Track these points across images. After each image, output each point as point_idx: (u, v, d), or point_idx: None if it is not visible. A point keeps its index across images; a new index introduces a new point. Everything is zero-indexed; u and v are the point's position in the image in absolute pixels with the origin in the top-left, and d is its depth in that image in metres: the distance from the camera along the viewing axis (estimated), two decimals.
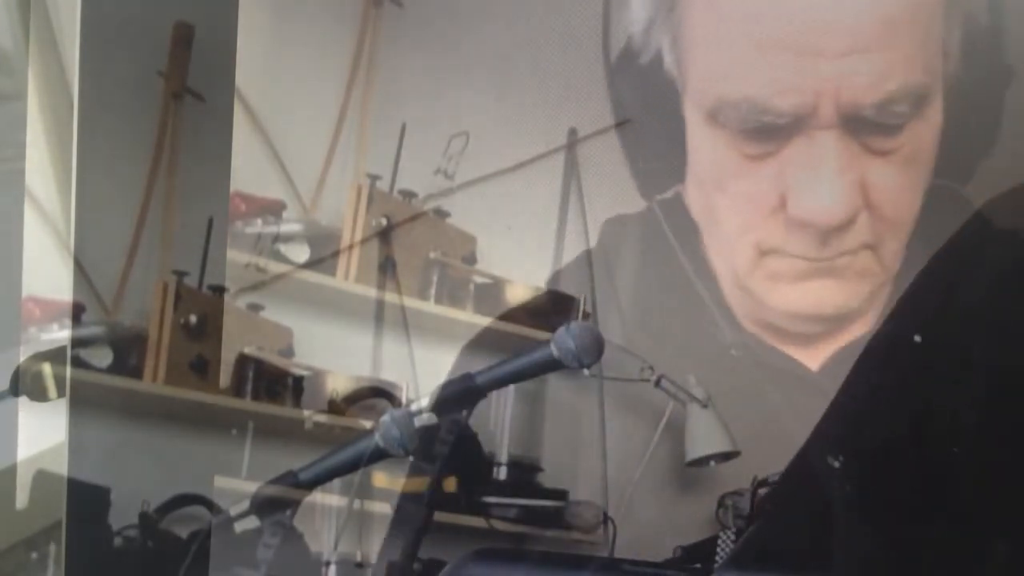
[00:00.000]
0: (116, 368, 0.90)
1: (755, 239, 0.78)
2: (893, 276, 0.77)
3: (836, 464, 0.76)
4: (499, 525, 0.89)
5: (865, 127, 0.74)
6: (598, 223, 0.87)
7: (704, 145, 0.78)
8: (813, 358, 0.81)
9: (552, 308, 0.89)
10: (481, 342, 0.89)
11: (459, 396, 0.84)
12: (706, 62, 0.76)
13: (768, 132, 0.75)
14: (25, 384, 0.93)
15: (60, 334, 0.92)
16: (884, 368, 0.76)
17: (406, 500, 0.87)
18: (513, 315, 0.89)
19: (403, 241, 0.90)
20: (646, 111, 0.79)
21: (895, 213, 0.76)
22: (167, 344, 0.89)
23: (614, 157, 0.87)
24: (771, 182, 0.76)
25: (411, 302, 0.90)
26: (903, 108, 0.74)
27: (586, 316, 0.88)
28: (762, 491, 0.85)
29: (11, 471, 0.95)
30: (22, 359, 0.94)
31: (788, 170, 0.76)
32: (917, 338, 0.73)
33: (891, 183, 0.76)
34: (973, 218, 0.72)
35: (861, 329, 0.79)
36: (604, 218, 0.83)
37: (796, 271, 0.78)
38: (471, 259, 0.91)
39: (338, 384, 0.90)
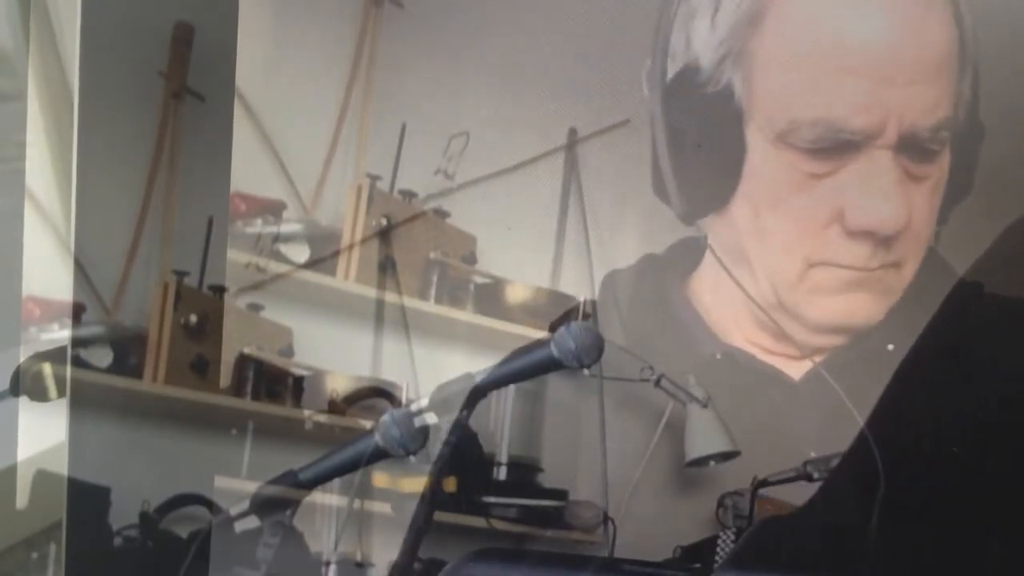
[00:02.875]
0: (116, 368, 0.90)
1: (805, 252, 0.85)
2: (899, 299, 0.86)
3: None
4: (499, 525, 0.89)
5: (913, 150, 0.83)
6: (601, 233, 0.88)
7: (766, 166, 0.84)
8: (796, 370, 0.87)
9: (552, 308, 0.89)
10: (481, 342, 0.89)
11: (459, 396, 0.84)
12: (781, 88, 0.84)
13: (834, 151, 0.83)
14: (25, 384, 0.93)
15: (60, 334, 0.92)
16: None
17: (407, 501, 0.87)
18: (513, 315, 0.89)
19: (403, 241, 0.90)
20: (705, 137, 0.85)
21: (920, 237, 0.85)
22: (167, 344, 0.89)
23: (614, 157, 0.88)
24: (829, 198, 0.84)
25: (411, 302, 0.90)
26: (945, 136, 0.84)
27: (586, 316, 0.88)
28: (762, 491, 0.86)
29: (11, 471, 0.95)
30: (22, 359, 0.94)
31: (848, 185, 0.83)
32: (890, 347, 0.84)
33: (924, 208, 0.85)
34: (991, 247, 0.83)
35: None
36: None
37: (839, 282, 0.85)
38: (471, 259, 0.91)
39: (338, 384, 0.90)
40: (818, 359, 0.86)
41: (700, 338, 0.88)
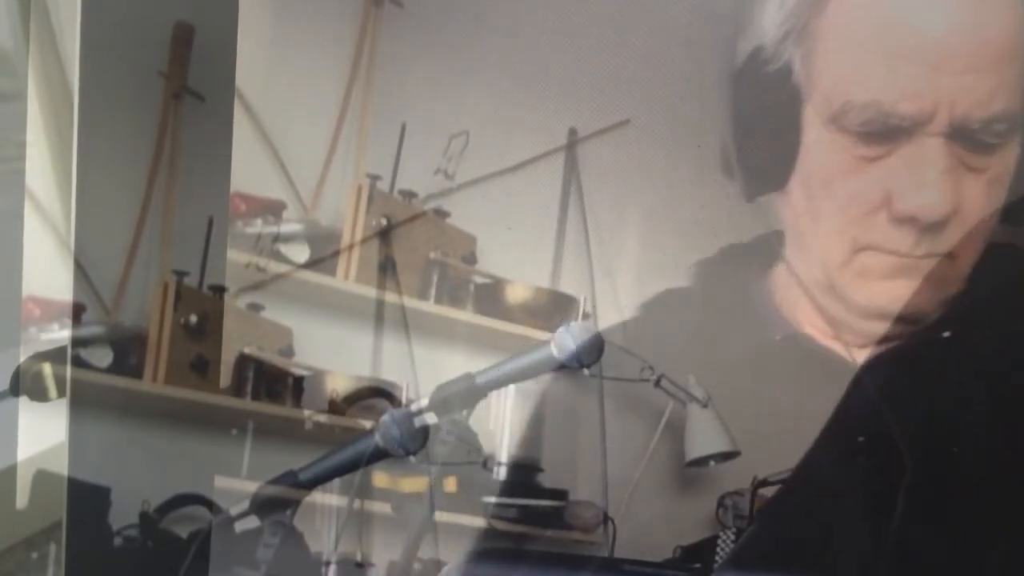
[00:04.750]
0: (116, 368, 0.90)
1: (853, 236, 0.84)
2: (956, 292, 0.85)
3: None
4: (499, 525, 0.89)
5: (967, 140, 0.82)
6: (599, 225, 0.88)
7: (820, 148, 0.84)
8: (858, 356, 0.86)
9: (552, 308, 0.89)
10: (481, 342, 0.89)
11: (459, 396, 0.84)
12: (838, 69, 0.83)
13: (885, 136, 0.82)
14: (25, 384, 0.93)
15: (60, 334, 0.92)
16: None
17: (407, 501, 0.87)
18: (513, 315, 0.89)
19: (403, 241, 0.90)
20: (767, 118, 0.85)
21: (976, 229, 0.84)
22: (167, 344, 0.89)
23: (614, 157, 0.88)
24: (878, 182, 0.83)
25: (411, 302, 0.90)
26: (1001, 128, 0.82)
27: (586, 316, 0.88)
28: (762, 491, 0.86)
29: (11, 471, 0.96)
30: (22, 359, 0.94)
31: (896, 171, 0.82)
32: (946, 334, 0.83)
33: (978, 200, 0.83)
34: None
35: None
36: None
37: (885, 268, 0.84)
38: (471, 259, 0.91)
39: (338, 384, 0.90)
40: (873, 347, 0.85)
41: (772, 324, 0.87)
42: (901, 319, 0.84)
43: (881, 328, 0.85)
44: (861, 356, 0.85)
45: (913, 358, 0.84)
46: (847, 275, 0.85)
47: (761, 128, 0.85)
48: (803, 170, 0.85)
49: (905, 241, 0.83)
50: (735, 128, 0.85)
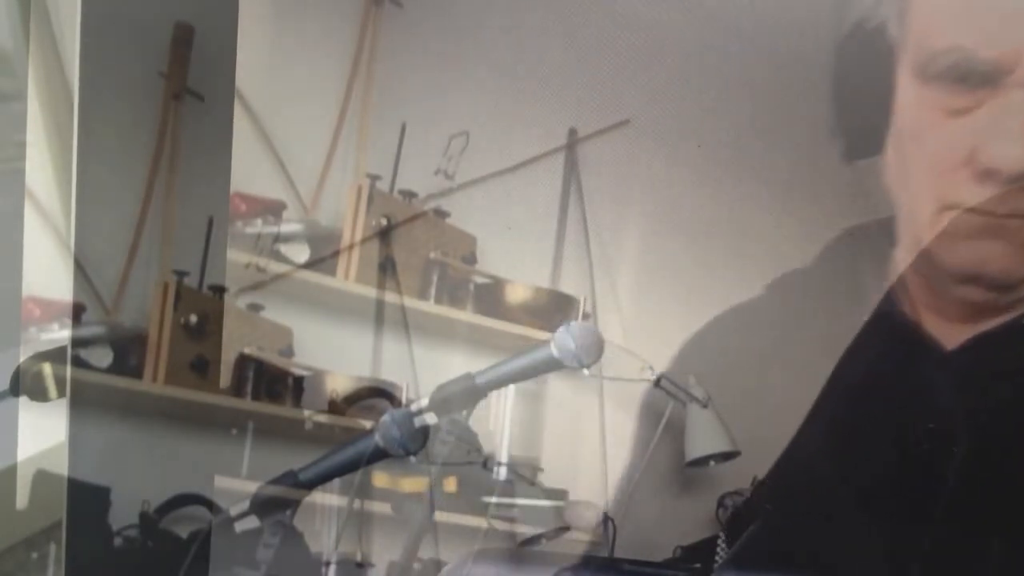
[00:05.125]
0: (116, 368, 0.90)
1: (939, 193, 0.82)
2: None
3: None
4: (499, 525, 0.89)
5: None
6: (598, 221, 0.88)
7: (910, 104, 0.82)
8: (951, 338, 0.84)
9: (552, 308, 0.89)
10: (481, 342, 0.89)
11: (459, 396, 0.84)
12: (926, 20, 0.81)
13: (970, 84, 0.80)
14: (25, 384, 0.93)
15: (60, 334, 0.92)
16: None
17: (407, 501, 0.87)
18: (513, 315, 0.89)
19: (403, 241, 0.90)
20: (865, 78, 0.84)
21: None
22: (167, 344, 0.89)
23: (614, 157, 0.88)
24: (964, 137, 0.81)
25: (411, 302, 0.90)
26: None
27: (586, 316, 0.88)
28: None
29: (11, 471, 0.96)
30: (22, 359, 0.94)
31: (981, 125, 0.80)
32: None
33: None
34: None
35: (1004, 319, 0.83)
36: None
37: (970, 227, 0.81)
38: (471, 259, 0.91)
39: (338, 384, 0.90)
40: (972, 325, 0.83)
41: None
42: (989, 283, 0.82)
43: (969, 293, 0.82)
44: (947, 337, 0.84)
45: (990, 344, 0.82)
46: (935, 236, 0.82)
47: (860, 92, 0.84)
48: (896, 130, 0.83)
49: (987, 198, 0.80)
50: (835, 93, 0.84)
